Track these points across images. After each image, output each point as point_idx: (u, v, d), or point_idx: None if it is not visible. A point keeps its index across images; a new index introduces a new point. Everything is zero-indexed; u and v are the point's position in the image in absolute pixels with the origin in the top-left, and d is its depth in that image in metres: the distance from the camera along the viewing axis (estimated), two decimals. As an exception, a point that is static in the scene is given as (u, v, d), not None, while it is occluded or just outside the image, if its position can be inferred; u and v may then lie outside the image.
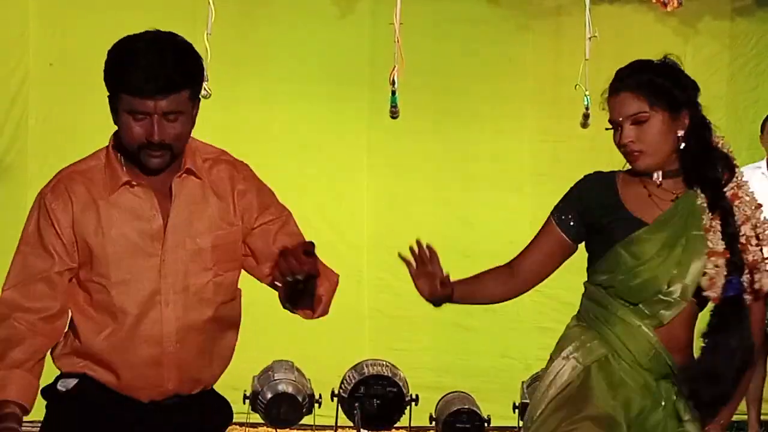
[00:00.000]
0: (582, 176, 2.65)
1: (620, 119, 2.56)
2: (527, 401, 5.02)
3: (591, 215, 2.52)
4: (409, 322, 5.93)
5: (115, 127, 2.47)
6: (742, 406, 5.64)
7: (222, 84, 5.22)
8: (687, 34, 6.20)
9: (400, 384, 5.10)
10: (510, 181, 6.05)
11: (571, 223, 2.56)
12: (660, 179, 2.49)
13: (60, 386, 2.49)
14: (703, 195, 2.48)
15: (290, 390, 5.00)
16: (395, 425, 5.20)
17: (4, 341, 2.38)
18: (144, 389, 2.46)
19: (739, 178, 2.56)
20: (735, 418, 6.16)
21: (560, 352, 2.57)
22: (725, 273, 2.41)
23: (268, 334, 5.26)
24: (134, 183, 2.46)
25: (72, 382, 2.48)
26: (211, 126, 5.80)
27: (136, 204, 2.46)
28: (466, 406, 5.06)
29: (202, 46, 5.07)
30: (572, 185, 2.63)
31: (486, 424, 5.08)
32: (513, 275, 2.77)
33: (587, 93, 5.18)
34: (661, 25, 6.15)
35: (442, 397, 5.30)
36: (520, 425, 5.17)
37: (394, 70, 4.93)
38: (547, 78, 6.01)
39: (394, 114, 5.08)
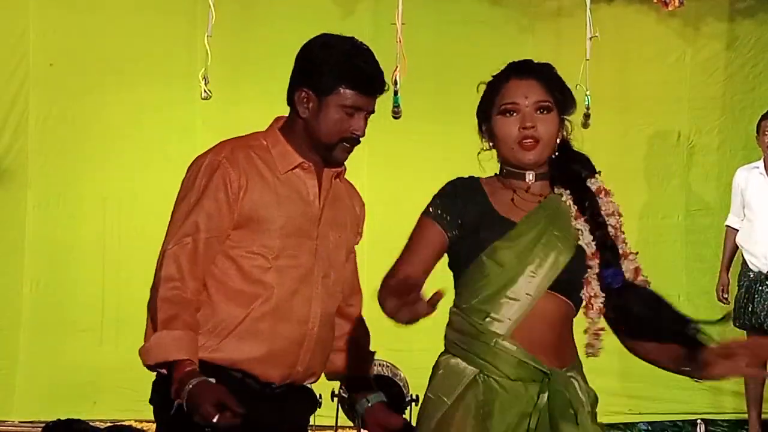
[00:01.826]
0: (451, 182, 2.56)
1: (526, 103, 2.42)
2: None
3: (467, 215, 2.45)
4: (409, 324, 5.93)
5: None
6: (743, 405, 5.64)
7: (222, 84, 5.22)
8: (687, 35, 6.20)
9: (401, 384, 5.10)
10: (510, 181, 6.05)
11: (449, 219, 2.46)
12: (532, 180, 2.45)
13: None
14: (568, 193, 2.45)
15: (290, 390, 5.00)
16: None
17: (177, 304, 2.40)
18: (278, 367, 2.51)
19: (600, 179, 2.53)
20: (735, 417, 6.18)
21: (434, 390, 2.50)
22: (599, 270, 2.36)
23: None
24: (306, 166, 2.57)
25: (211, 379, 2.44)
26: (212, 126, 5.85)
27: (302, 187, 2.57)
28: (467, 407, 5.05)
29: (203, 48, 5.08)
30: (441, 188, 2.58)
31: (486, 425, 5.07)
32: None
33: (588, 93, 5.18)
34: (662, 26, 6.15)
35: (443, 398, 5.29)
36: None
37: (396, 70, 4.93)
38: (547, 78, 6.00)
39: (396, 114, 5.07)
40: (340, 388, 5.15)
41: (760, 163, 5.59)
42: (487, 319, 2.35)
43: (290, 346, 2.52)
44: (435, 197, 2.54)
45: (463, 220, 2.44)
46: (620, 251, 2.41)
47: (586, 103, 5.16)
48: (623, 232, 2.46)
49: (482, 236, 2.38)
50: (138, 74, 5.79)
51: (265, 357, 2.48)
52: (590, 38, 5.21)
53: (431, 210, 2.50)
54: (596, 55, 5.42)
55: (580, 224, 2.41)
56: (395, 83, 4.94)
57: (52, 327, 5.67)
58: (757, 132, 5.56)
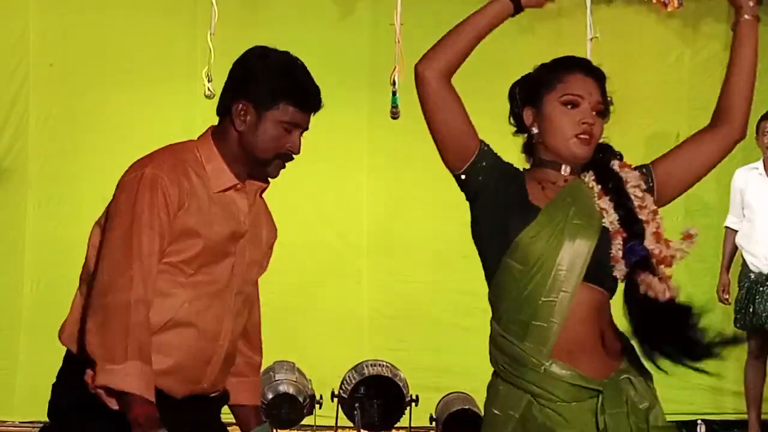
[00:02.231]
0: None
1: (589, 100, 2.41)
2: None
3: (499, 181, 2.47)
4: (409, 323, 5.94)
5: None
6: (743, 406, 5.65)
7: (222, 84, 5.22)
8: (686, 36, 6.21)
9: (401, 384, 5.10)
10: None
11: (487, 162, 2.52)
12: (567, 173, 2.44)
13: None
14: (591, 175, 2.45)
15: (291, 390, 5.00)
16: (395, 425, 5.20)
17: (147, 332, 2.35)
18: (183, 383, 2.47)
19: (624, 161, 2.55)
20: (735, 417, 6.18)
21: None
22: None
23: (269, 335, 5.25)
24: (239, 187, 2.54)
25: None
26: (211, 125, 5.84)
27: (233, 207, 2.53)
28: (466, 407, 5.06)
29: (203, 48, 5.08)
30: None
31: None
32: None
33: (589, 93, 5.18)
34: (662, 27, 6.16)
35: (443, 398, 5.30)
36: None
37: (394, 70, 4.94)
38: (546, 79, 6.01)
39: (395, 114, 5.08)
40: (340, 388, 5.16)
41: (760, 164, 5.59)
42: (531, 335, 2.31)
43: (197, 363, 2.47)
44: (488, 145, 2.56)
45: (492, 179, 2.48)
46: (643, 219, 2.41)
47: (587, 102, 5.16)
48: (644, 198, 2.47)
49: (509, 223, 2.37)
50: (138, 74, 5.79)
51: (170, 370, 2.43)
52: (590, 39, 5.21)
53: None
54: (596, 55, 5.42)
55: (605, 203, 2.41)
56: (394, 83, 4.95)
57: (52, 327, 5.61)
58: (757, 133, 5.56)
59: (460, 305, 5.92)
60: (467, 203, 2.77)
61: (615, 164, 2.49)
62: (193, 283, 2.44)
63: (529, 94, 2.55)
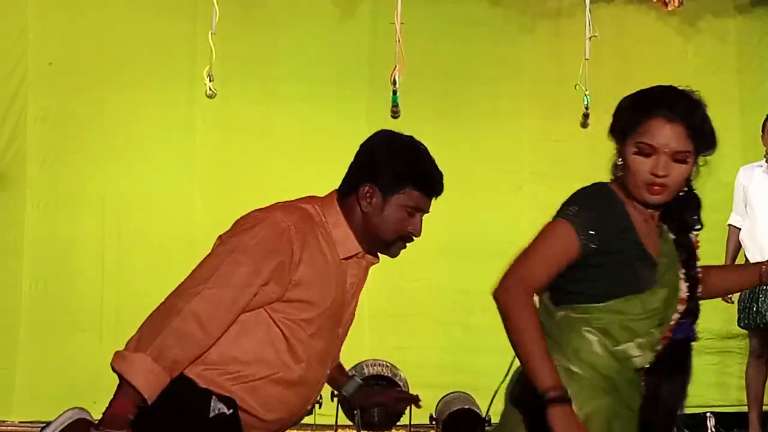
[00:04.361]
0: (593, 194, 2.48)
1: (665, 150, 2.35)
2: (527, 401, 5.02)
3: (609, 243, 2.37)
4: (410, 322, 5.93)
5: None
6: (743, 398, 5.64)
7: (222, 83, 5.22)
8: (688, 33, 6.20)
9: (401, 384, 5.10)
10: (510, 180, 6.05)
11: (589, 232, 2.38)
12: (657, 219, 2.44)
13: (213, 408, 2.46)
14: (673, 238, 2.46)
15: (290, 390, 5.00)
16: (395, 425, 5.20)
17: (186, 350, 2.37)
18: (268, 428, 2.54)
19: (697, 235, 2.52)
20: (735, 409, 6.17)
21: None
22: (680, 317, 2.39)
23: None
24: (360, 256, 2.64)
25: (226, 410, 2.46)
26: (211, 125, 5.85)
27: (347, 275, 2.62)
28: (467, 406, 5.05)
29: (203, 47, 5.07)
30: (582, 196, 2.48)
31: (486, 425, 5.07)
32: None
33: (587, 93, 5.18)
34: (662, 25, 6.15)
35: (443, 397, 5.29)
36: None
37: (394, 70, 4.94)
38: (547, 78, 6.00)
39: (395, 114, 5.08)
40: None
41: (764, 162, 5.59)
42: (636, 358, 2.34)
43: (289, 418, 2.57)
44: (575, 205, 2.45)
45: (606, 240, 2.37)
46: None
47: (585, 103, 5.16)
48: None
49: (638, 272, 2.35)
50: (137, 73, 5.78)
51: (268, 424, 2.51)
52: (589, 38, 5.20)
53: (571, 215, 2.42)
54: (597, 53, 5.42)
55: (681, 273, 2.43)
56: (394, 83, 4.95)
57: (51, 327, 5.67)
58: (763, 131, 5.55)
59: (461, 304, 5.91)
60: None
61: (693, 236, 2.50)
62: (309, 346, 2.52)
63: (617, 129, 2.52)
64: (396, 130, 2.73)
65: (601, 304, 2.33)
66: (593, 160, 6.45)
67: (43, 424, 5.07)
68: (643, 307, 2.32)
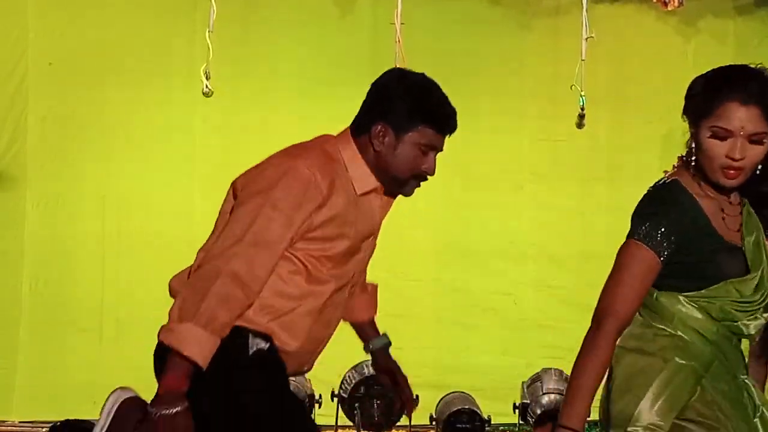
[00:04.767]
0: (661, 197, 2.47)
1: (741, 132, 2.34)
2: (527, 401, 5.02)
3: (686, 243, 2.39)
4: (410, 321, 5.93)
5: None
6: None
7: (222, 83, 5.22)
8: (688, 34, 6.19)
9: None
10: (509, 180, 6.04)
11: (660, 239, 2.38)
12: (738, 202, 2.47)
13: (251, 345, 2.48)
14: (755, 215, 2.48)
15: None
16: (395, 425, 5.20)
17: (232, 310, 2.39)
18: (297, 365, 2.59)
19: None
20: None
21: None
22: None
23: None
24: (379, 189, 2.66)
25: (264, 344, 2.49)
26: (211, 124, 5.84)
27: (370, 210, 2.66)
28: (467, 406, 5.05)
29: (203, 46, 5.07)
30: (646, 204, 2.48)
31: (486, 424, 5.07)
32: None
33: (583, 94, 5.18)
34: (662, 24, 6.14)
35: (443, 397, 5.29)
36: (521, 424, 5.18)
37: (394, 69, 4.93)
38: (546, 77, 6.00)
39: (394, 113, 5.06)
40: (340, 387, 5.16)
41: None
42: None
43: (312, 347, 2.60)
44: (646, 219, 2.42)
45: (683, 242, 2.38)
46: None
47: (581, 103, 5.16)
48: None
49: (721, 264, 2.39)
50: (137, 73, 5.78)
51: (293, 351, 2.53)
52: (586, 39, 5.20)
53: (645, 235, 2.40)
54: (596, 53, 5.42)
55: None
56: (394, 83, 4.93)
57: (51, 326, 5.67)
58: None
59: (461, 304, 5.91)
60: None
61: None
62: (330, 276, 2.55)
63: (689, 112, 2.56)
64: (406, 69, 2.73)
65: (691, 293, 2.39)
66: (593, 160, 6.48)
67: (43, 424, 5.08)
68: (739, 293, 2.37)
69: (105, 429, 2.48)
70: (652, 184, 2.54)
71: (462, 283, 5.91)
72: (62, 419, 4.69)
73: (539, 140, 6.08)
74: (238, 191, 2.60)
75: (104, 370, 5.61)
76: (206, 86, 4.93)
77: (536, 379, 5.16)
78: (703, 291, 2.38)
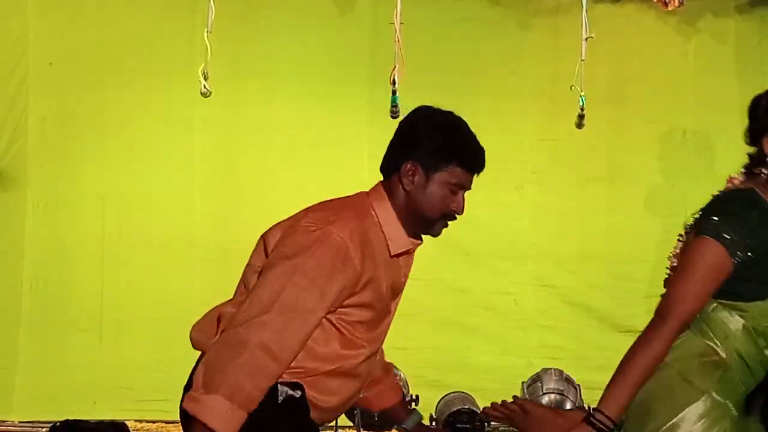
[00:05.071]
0: (739, 200, 2.40)
1: None
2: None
3: (762, 249, 2.34)
4: (409, 321, 5.91)
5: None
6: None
7: (222, 83, 5.21)
8: (688, 33, 6.19)
9: (401, 384, 5.09)
10: (510, 179, 6.04)
11: (740, 257, 2.31)
12: None
13: (281, 393, 2.47)
14: None
15: (290, 390, 4.99)
16: (395, 425, 5.19)
17: (261, 386, 2.37)
18: (327, 418, 2.61)
19: None
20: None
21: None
22: None
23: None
24: (411, 250, 2.65)
25: (293, 392, 2.48)
26: (211, 124, 5.84)
27: (400, 269, 2.66)
28: (466, 406, 5.04)
29: (202, 46, 5.07)
30: (720, 204, 2.41)
31: (486, 425, 5.07)
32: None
33: (582, 94, 5.17)
34: (662, 24, 6.14)
35: (443, 397, 5.28)
36: (521, 425, 5.17)
37: (394, 70, 4.93)
38: (546, 77, 5.99)
39: (394, 114, 5.07)
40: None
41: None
42: None
43: (345, 403, 2.62)
44: (720, 215, 2.35)
45: (757, 247, 2.33)
46: None
47: (581, 104, 5.15)
48: None
49: None
50: (137, 73, 5.77)
51: (328, 409, 2.56)
52: (585, 39, 5.19)
53: (719, 232, 2.32)
54: (597, 53, 5.41)
55: None
56: (393, 83, 4.94)
57: (51, 326, 5.66)
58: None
59: (461, 304, 5.91)
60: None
61: None
62: (365, 341, 2.56)
63: (759, 125, 2.53)
64: (435, 106, 2.68)
65: (749, 304, 2.33)
66: (593, 159, 6.46)
67: (43, 424, 5.08)
68: None
69: None
70: (722, 190, 2.46)
71: (462, 282, 5.91)
72: (62, 419, 4.69)
73: (539, 140, 6.07)
74: (268, 247, 2.55)
75: (104, 370, 5.62)
76: (204, 87, 4.92)
77: (536, 379, 5.15)
78: (760, 303, 2.32)
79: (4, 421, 5.53)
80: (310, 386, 2.49)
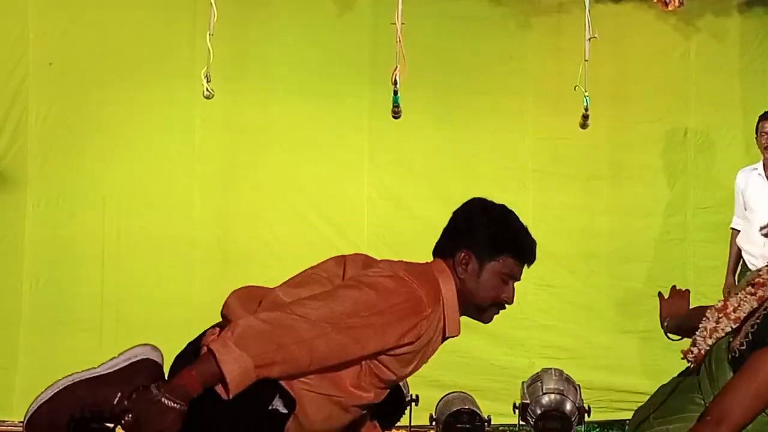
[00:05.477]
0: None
1: None
2: (527, 401, 5.00)
3: None
4: (410, 322, 5.91)
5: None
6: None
7: (222, 83, 5.21)
8: (689, 32, 6.18)
9: (400, 384, 5.08)
10: (512, 178, 6.03)
11: None
12: None
13: (273, 404, 2.49)
14: None
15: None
16: (395, 425, 5.18)
17: (286, 364, 2.41)
18: None
19: None
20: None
21: None
22: None
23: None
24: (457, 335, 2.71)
25: (283, 408, 2.50)
26: (211, 125, 5.83)
27: (435, 349, 2.71)
28: (467, 406, 5.04)
29: (202, 47, 5.06)
30: None
31: (486, 424, 5.06)
32: None
33: (586, 94, 5.16)
34: (663, 23, 6.13)
35: (443, 397, 5.28)
36: (521, 425, 5.16)
37: (395, 70, 4.92)
38: (548, 75, 5.99)
39: (396, 114, 5.07)
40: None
41: (759, 165, 5.58)
42: None
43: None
44: None
45: None
46: None
47: (585, 104, 5.14)
48: None
49: None
50: (138, 73, 5.77)
51: (306, 428, 2.55)
52: (589, 39, 5.18)
53: None
54: (599, 52, 5.40)
55: None
56: (395, 83, 4.93)
57: (51, 326, 5.66)
58: (756, 132, 5.55)
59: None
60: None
61: None
62: (373, 389, 2.60)
63: None
64: (486, 198, 2.84)
65: None
66: (595, 158, 6.44)
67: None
68: None
69: (113, 371, 2.53)
70: None
71: (463, 282, 5.90)
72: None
73: (541, 139, 6.06)
74: (350, 268, 2.66)
75: (104, 370, 5.61)
76: (207, 89, 4.92)
77: (536, 379, 5.14)
78: None
79: (4, 421, 5.53)
80: (308, 401, 2.51)
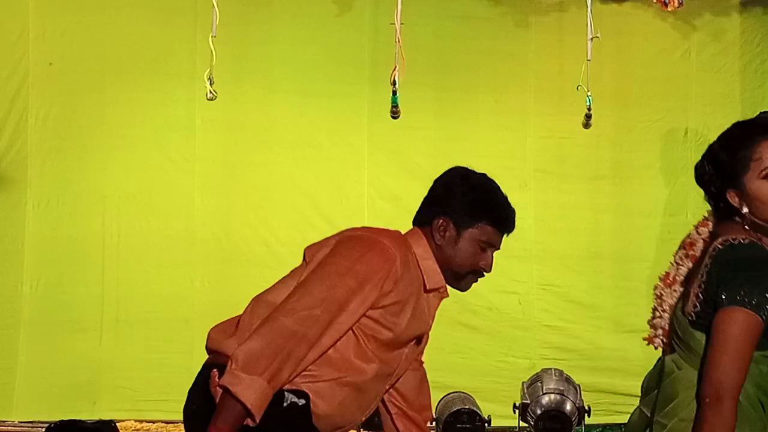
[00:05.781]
0: (749, 258, 2.35)
1: None
2: (527, 401, 5.00)
3: None
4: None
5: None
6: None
7: (222, 83, 5.21)
8: (689, 32, 6.18)
9: None
10: (513, 178, 6.02)
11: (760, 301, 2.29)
12: None
13: (286, 399, 2.52)
14: None
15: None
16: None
17: (293, 366, 2.45)
18: (330, 429, 2.63)
19: None
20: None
21: None
22: None
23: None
24: (442, 290, 2.72)
25: (297, 400, 2.53)
26: (211, 125, 5.83)
27: (428, 308, 2.71)
28: (467, 407, 5.03)
29: (203, 47, 5.07)
30: (734, 264, 2.36)
31: (487, 425, 5.06)
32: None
33: (589, 94, 5.16)
34: (663, 23, 6.13)
35: (443, 397, 5.28)
36: (521, 425, 5.16)
37: (394, 70, 4.92)
38: (549, 74, 5.98)
39: (395, 114, 5.06)
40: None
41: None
42: None
43: (344, 420, 2.64)
44: (738, 280, 2.30)
45: None
46: None
47: (588, 104, 5.14)
48: None
49: None
50: (138, 73, 5.77)
51: (323, 416, 2.56)
52: (591, 39, 5.18)
53: (745, 299, 2.28)
54: (600, 51, 5.40)
55: None
56: (394, 83, 4.93)
57: (52, 326, 5.66)
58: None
59: (463, 304, 5.89)
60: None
61: None
62: (376, 357, 2.60)
63: (726, 178, 2.43)
64: (468, 167, 2.83)
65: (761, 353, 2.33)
66: (597, 157, 6.44)
67: (43, 424, 5.07)
68: None
69: None
70: (727, 247, 2.38)
71: (464, 282, 5.89)
72: (62, 419, 4.69)
73: (543, 138, 6.06)
74: (308, 257, 2.65)
75: (104, 370, 5.61)
76: (210, 91, 4.92)
77: (536, 379, 5.14)
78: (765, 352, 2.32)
79: (4, 421, 5.53)
80: (316, 394, 2.54)
